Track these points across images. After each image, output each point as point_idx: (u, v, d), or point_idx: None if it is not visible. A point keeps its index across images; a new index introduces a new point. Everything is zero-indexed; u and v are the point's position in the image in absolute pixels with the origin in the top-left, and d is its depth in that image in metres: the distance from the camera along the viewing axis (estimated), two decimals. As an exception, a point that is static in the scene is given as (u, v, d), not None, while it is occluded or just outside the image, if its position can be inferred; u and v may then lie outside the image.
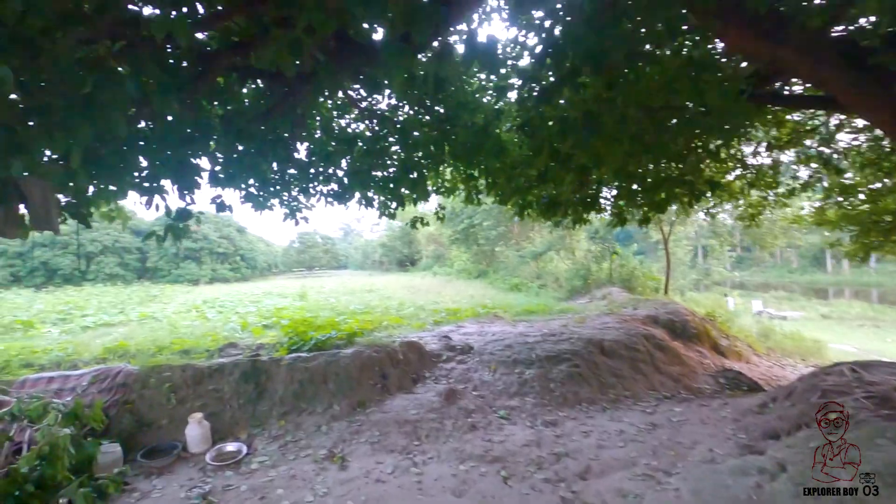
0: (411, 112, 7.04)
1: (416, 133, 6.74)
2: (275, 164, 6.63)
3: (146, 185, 4.90)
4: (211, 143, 5.54)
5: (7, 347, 7.29)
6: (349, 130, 7.32)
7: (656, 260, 20.18)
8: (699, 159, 6.68)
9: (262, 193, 6.98)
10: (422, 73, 5.48)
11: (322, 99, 6.44)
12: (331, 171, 7.16)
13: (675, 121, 5.23)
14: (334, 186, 7.28)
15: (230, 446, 4.61)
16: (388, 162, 7.41)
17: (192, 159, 5.32)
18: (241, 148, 6.06)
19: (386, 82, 5.76)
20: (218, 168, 5.97)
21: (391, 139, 6.94)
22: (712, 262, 17.49)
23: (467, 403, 5.45)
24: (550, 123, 5.48)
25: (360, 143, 6.97)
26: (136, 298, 19.87)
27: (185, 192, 5.47)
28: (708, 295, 14.11)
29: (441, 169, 8.50)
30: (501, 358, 6.58)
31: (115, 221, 6.34)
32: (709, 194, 6.98)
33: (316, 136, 6.89)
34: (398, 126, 6.64)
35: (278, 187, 7.10)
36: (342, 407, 5.26)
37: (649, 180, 6.34)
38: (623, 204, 6.97)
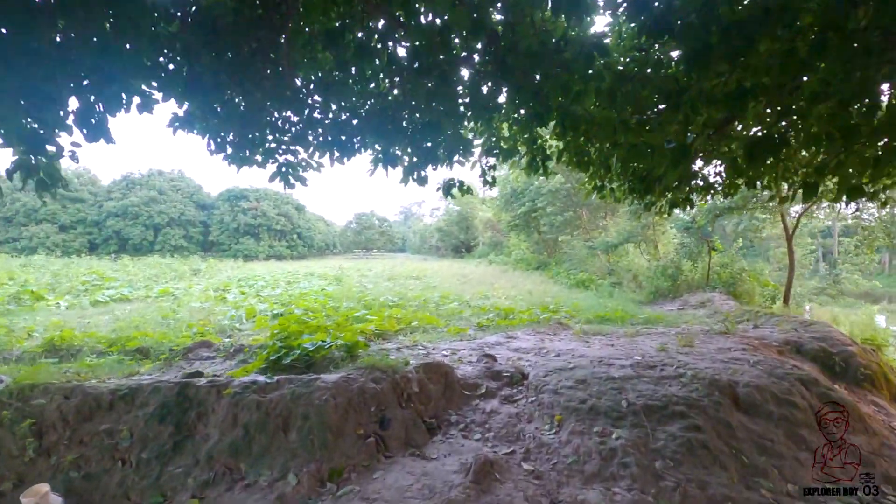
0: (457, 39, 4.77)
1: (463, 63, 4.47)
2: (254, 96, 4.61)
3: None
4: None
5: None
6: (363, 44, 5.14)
7: (762, 261, 16.62)
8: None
9: (237, 139, 4.99)
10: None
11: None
12: (334, 108, 5.05)
13: None
14: (342, 136, 5.18)
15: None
16: (418, 103, 5.21)
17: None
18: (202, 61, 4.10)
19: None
20: (153, 89, 4.03)
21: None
22: (845, 267, 13.86)
23: (511, 491, 3.18)
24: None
25: (378, 64, 4.78)
26: (178, 272, 19.21)
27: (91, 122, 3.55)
28: (839, 309, 10.87)
29: (496, 121, 6.19)
30: (571, 401, 4.23)
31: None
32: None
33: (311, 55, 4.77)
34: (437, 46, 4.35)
35: (261, 135, 5.09)
36: (302, 478, 3.17)
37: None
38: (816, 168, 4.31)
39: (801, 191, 3.99)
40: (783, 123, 3.62)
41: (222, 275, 20.13)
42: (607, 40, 4.47)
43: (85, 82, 3.50)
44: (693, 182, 7.27)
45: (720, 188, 7.34)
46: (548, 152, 6.96)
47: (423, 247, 62.35)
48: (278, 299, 10.86)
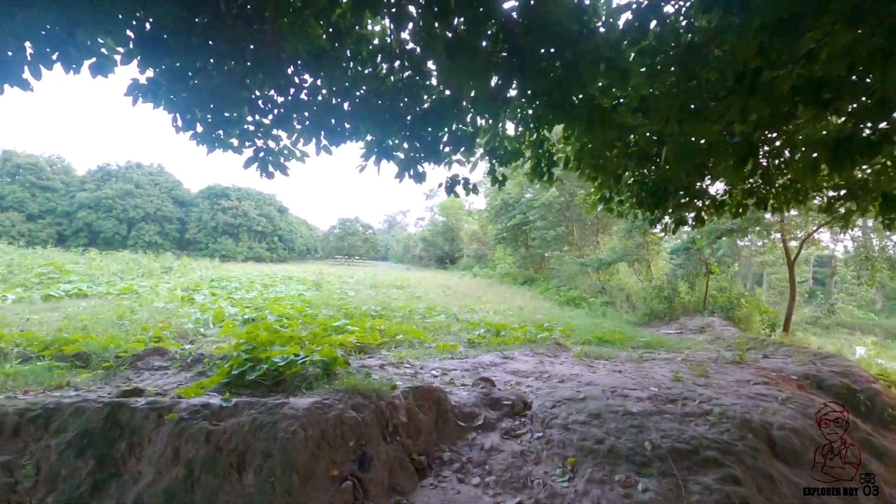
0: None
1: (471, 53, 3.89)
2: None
3: None
4: None
5: None
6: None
7: (754, 285, 16.33)
8: None
9: (209, 116, 4.31)
10: None
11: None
12: (324, 92, 4.42)
13: None
14: (331, 119, 4.54)
15: None
16: (421, 91, 4.63)
17: None
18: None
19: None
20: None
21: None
22: (841, 297, 13.63)
23: (523, 561, 2.52)
24: None
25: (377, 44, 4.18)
26: (147, 268, 18.11)
27: None
28: (835, 339, 10.51)
29: (502, 118, 5.64)
30: (585, 439, 3.61)
31: None
32: None
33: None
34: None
35: (239, 114, 4.41)
36: (257, 538, 2.46)
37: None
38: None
39: (868, 205, 3.47)
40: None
41: (195, 274, 19.08)
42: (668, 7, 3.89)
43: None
44: (702, 198, 6.84)
45: (727, 207, 6.91)
46: (555, 157, 6.44)
47: (406, 256, 61.57)
48: (251, 303, 10.04)
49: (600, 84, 4.27)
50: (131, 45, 3.68)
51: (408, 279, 23.05)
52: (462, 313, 11.11)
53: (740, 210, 6.85)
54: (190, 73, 3.97)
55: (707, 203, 6.88)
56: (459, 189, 5.46)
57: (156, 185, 44.05)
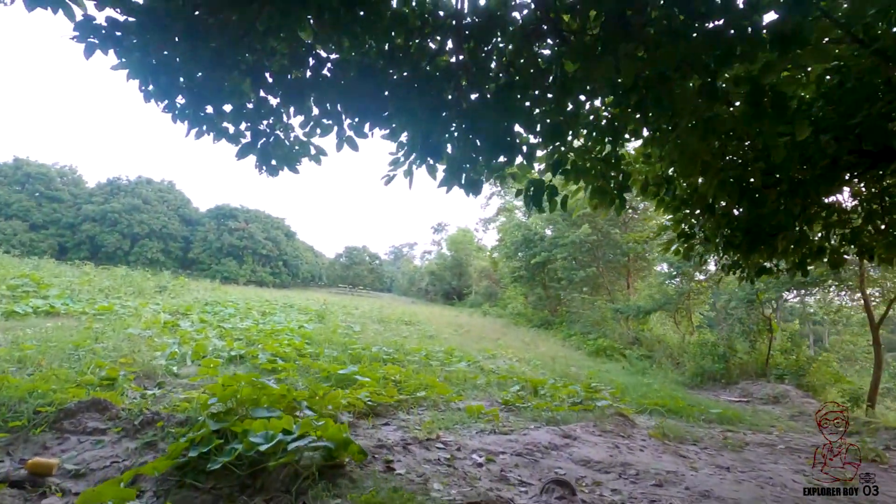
0: None
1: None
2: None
3: None
4: None
5: None
6: None
7: (812, 347, 14.69)
8: None
9: (197, 83, 3.08)
10: None
11: None
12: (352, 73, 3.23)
13: None
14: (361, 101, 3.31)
15: None
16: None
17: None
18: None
19: None
20: None
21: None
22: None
23: None
24: None
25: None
26: (139, 286, 16.80)
27: None
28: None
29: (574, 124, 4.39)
30: None
31: None
32: None
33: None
34: None
35: (236, 83, 3.19)
36: None
37: None
38: None
39: None
40: None
41: (189, 295, 17.73)
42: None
43: None
44: (805, 242, 5.55)
45: (826, 253, 5.62)
46: (630, 180, 5.15)
47: (412, 289, 60.02)
48: (243, 335, 8.64)
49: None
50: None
51: (416, 314, 21.57)
52: (483, 360, 9.64)
53: (837, 258, 5.57)
54: (168, 15, 2.76)
55: (807, 248, 5.58)
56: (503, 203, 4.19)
57: (164, 202, 43.36)
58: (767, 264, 5.54)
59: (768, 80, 2.90)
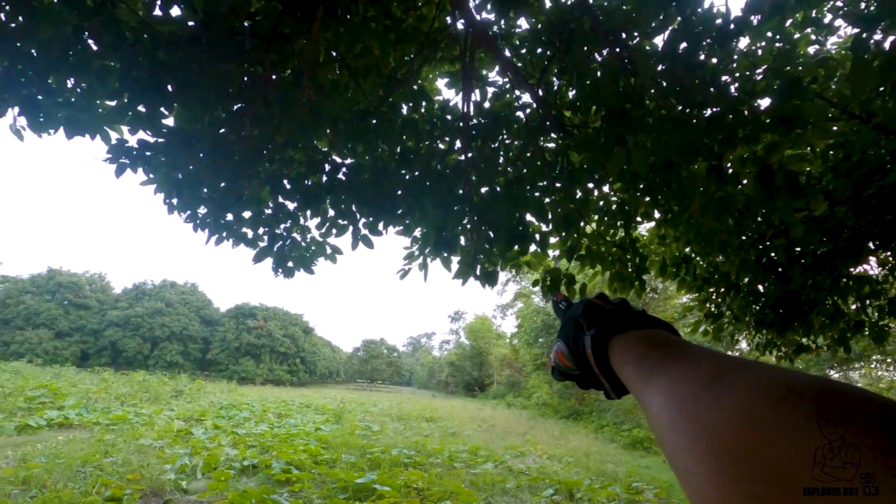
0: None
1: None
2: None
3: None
4: None
5: None
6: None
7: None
8: None
9: (217, 192, 3.24)
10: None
11: None
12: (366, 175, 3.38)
13: None
14: (376, 200, 3.42)
15: None
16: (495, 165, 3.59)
17: None
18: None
19: None
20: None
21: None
22: None
23: None
24: None
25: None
26: (155, 392, 16.55)
27: None
28: None
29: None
30: None
31: None
32: None
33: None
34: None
35: (253, 195, 3.36)
36: None
37: None
38: None
39: None
40: None
41: (205, 399, 17.35)
42: None
43: None
44: (842, 317, 5.28)
45: (866, 327, 5.36)
46: (647, 262, 5.07)
47: (431, 381, 58.14)
48: (257, 441, 8.24)
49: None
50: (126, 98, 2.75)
51: (437, 409, 20.63)
52: (511, 459, 8.96)
53: (879, 331, 5.29)
54: (194, 135, 2.98)
55: (844, 323, 5.31)
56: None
57: (186, 304, 44.20)
58: (805, 341, 5.25)
59: (774, 159, 2.94)
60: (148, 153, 2.95)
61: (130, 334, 39.80)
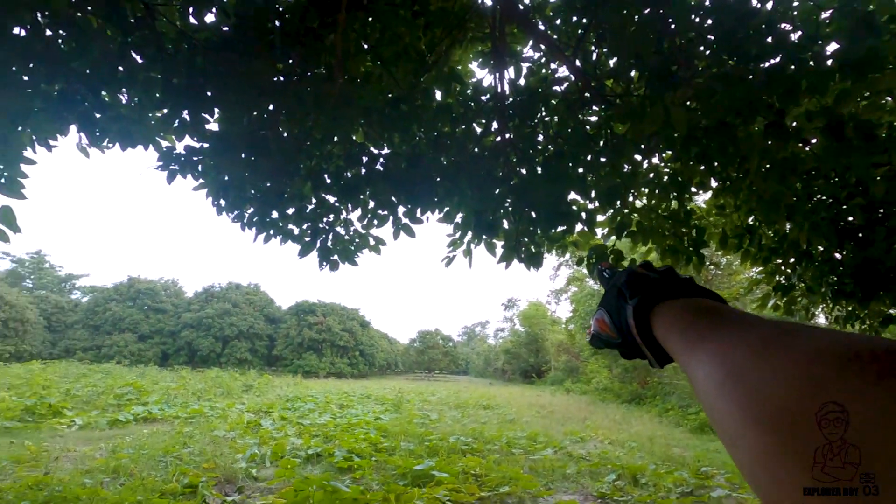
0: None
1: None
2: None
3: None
4: None
5: None
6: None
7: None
8: None
9: (260, 190, 3.34)
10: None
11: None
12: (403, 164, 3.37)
13: None
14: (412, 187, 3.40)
15: None
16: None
17: None
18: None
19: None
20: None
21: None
22: None
23: None
24: None
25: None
26: (227, 387, 17.65)
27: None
28: None
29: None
30: None
31: None
32: None
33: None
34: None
35: (295, 192, 3.43)
36: None
37: None
38: None
39: None
40: None
41: (273, 393, 18.31)
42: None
43: None
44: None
45: None
46: (705, 235, 4.75)
47: (488, 370, 58.31)
48: (321, 430, 8.59)
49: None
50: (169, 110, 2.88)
51: (494, 397, 20.65)
52: (571, 444, 8.81)
53: None
54: (236, 137, 3.08)
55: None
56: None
57: (251, 304, 46.68)
58: (893, 312, 4.76)
59: (845, 109, 2.64)
60: (195, 158, 3.08)
61: (203, 334, 42.62)
